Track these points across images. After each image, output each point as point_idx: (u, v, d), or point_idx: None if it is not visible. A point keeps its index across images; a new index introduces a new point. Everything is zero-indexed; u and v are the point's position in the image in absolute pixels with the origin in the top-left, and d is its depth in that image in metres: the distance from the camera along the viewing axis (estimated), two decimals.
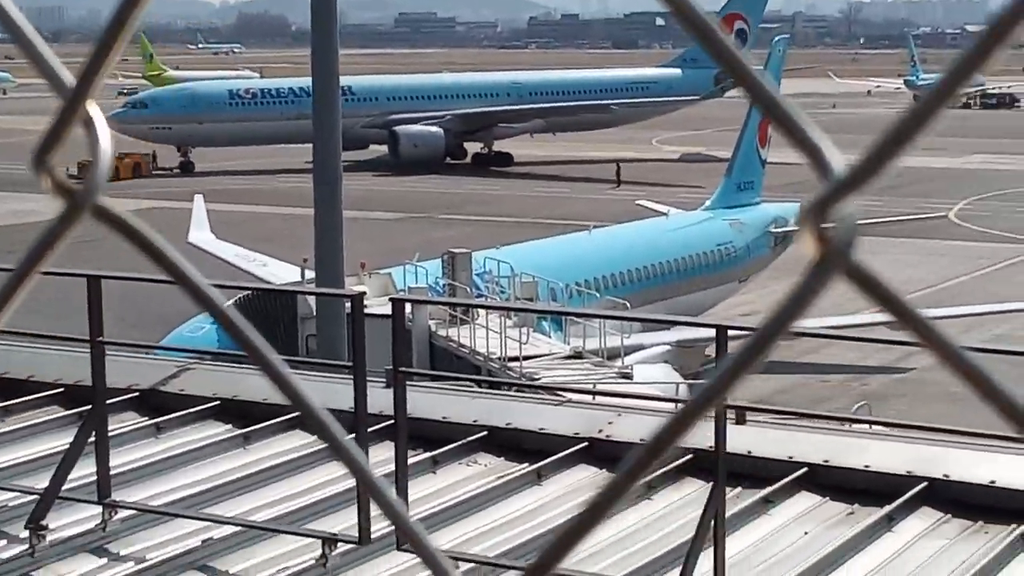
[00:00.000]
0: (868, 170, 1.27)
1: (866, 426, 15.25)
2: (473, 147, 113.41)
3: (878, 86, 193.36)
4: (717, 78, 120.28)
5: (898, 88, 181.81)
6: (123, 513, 11.94)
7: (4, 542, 11.74)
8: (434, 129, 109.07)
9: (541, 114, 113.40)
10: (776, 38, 77.35)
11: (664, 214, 60.22)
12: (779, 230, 59.86)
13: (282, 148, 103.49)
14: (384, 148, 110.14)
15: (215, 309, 1.51)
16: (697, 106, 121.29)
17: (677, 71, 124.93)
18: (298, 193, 71.65)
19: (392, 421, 11.65)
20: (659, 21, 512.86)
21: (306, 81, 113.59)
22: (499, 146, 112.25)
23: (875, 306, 1.36)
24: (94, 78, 1.46)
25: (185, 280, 1.49)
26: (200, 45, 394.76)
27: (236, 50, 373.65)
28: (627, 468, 1.37)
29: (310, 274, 35.39)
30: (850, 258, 1.27)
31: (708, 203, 61.21)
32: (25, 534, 11.52)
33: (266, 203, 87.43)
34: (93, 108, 1.47)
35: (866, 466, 12.36)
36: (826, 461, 12.42)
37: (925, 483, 12.06)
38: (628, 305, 41.05)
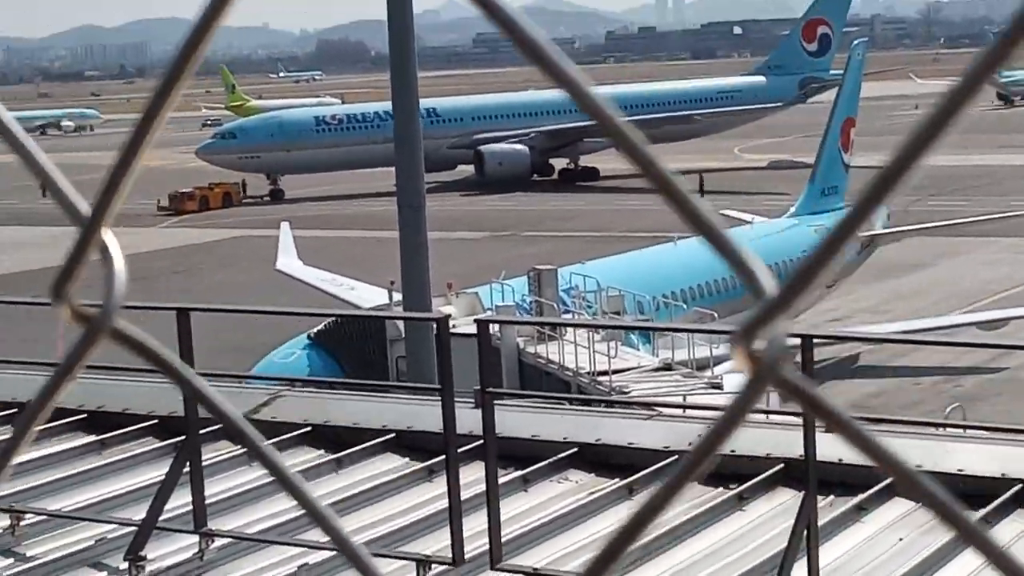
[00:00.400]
0: (795, 292, 1.33)
1: (959, 430, 15.14)
2: (560, 163, 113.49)
3: None
4: (801, 84, 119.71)
5: None
6: (220, 542, 12.06)
7: (104, 574, 11.89)
8: (519, 147, 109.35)
9: None
10: (855, 42, 76.86)
11: (748, 223, 59.95)
12: (865, 234, 59.44)
13: (371, 172, 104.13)
14: (471, 168, 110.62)
15: (237, 430, 1.59)
16: (779, 114, 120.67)
17: (761, 79, 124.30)
18: (387, 216, 72.10)
19: (481, 441, 11.69)
20: (736, 30, 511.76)
21: (390, 105, 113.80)
22: (586, 161, 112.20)
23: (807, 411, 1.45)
24: (109, 206, 1.52)
25: (204, 399, 1.57)
26: (281, 74, 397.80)
27: (317, 77, 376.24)
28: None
29: (398, 296, 35.57)
30: (780, 373, 1.36)
31: (792, 210, 60.90)
32: (124, 566, 11.67)
33: (355, 228, 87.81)
34: (108, 235, 1.54)
35: (959, 470, 12.26)
36: (919, 466, 12.31)
37: (1020, 485, 11.95)
38: (715, 316, 40.90)
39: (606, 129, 1.37)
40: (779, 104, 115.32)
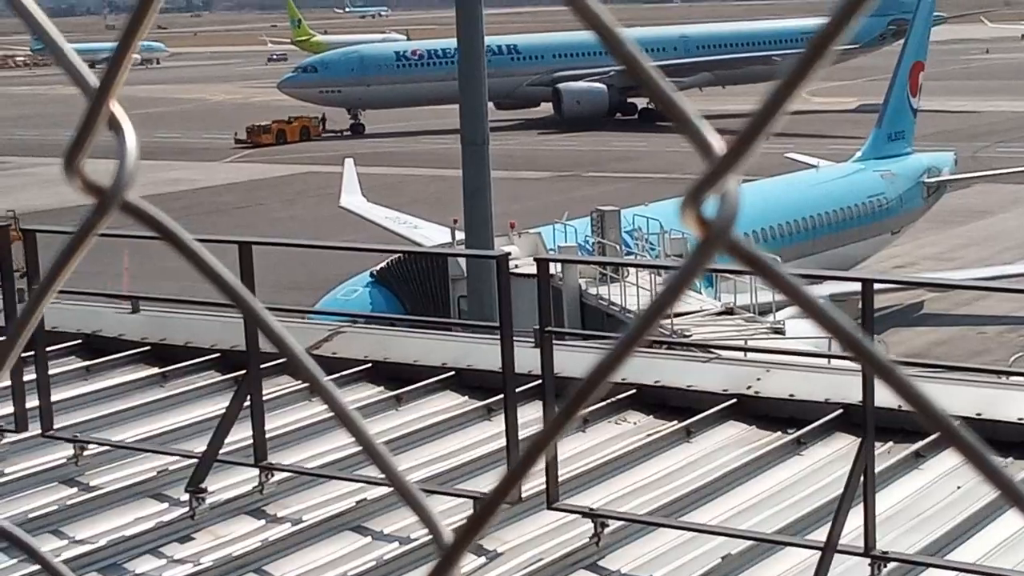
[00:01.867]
0: (742, 150, 1.33)
1: (1022, 378, 15.04)
2: (641, 102, 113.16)
3: None
4: (891, 24, 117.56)
5: None
6: (279, 476, 12.16)
7: (165, 505, 12.03)
8: (597, 85, 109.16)
9: (708, 67, 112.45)
10: None
11: (814, 167, 59.55)
12: (932, 180, 58.98)
13: (451, 108, 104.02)
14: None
15: (243, 303, 1.60)
16: (874, 55, 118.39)
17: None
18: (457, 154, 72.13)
19: (540, 380, 11.72)
20: None
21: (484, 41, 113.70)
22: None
23: (760, 281, 1.45)
24: (117, 78, 1.53)
25: (209, 271, 1.58)
26: (347, 9, 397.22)
27: (383, 13, 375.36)
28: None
29: (460, 235, 35.61)
30: (730, 236, 1.35)
31: (859, 155, 60.45)
32: (185, 497, 11.79)
33: (427, 165, 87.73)
34: (117, 107, 1.55)
35: (1020, 418, 12.20)
36: (979, 414, 12.25)
37: None
38: (780, 259, 40.69)
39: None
40: (855, 47, 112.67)
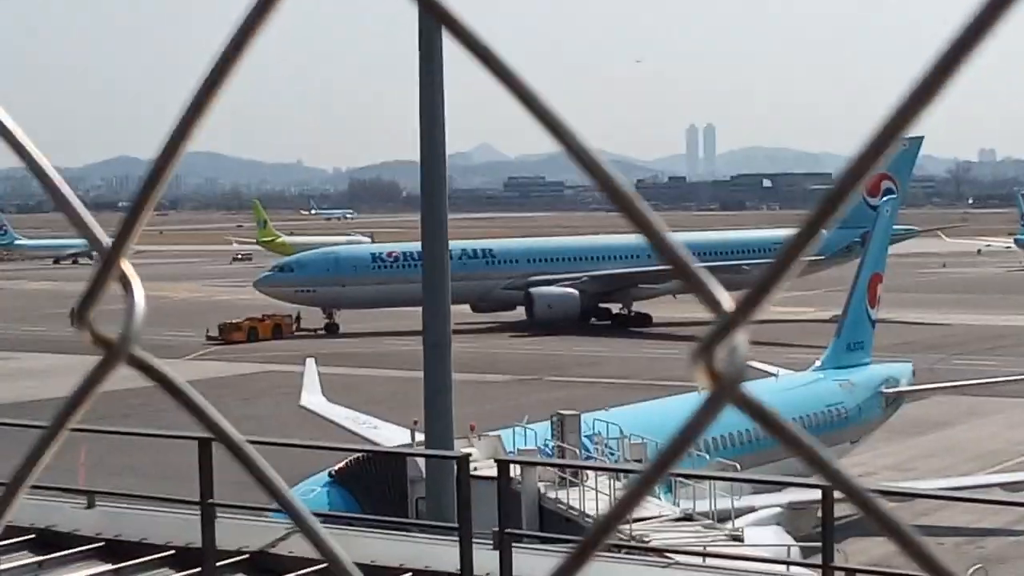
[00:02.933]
0: (752, 305, 1.38)
1: None
2: (614, 308, 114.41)
3: (988, 245, 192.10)
4: (863, 238, 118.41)
5: (1008, 247, 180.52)
6: None
7: None
8: (569, 290, 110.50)
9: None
10: (883, 199, 77.38)
11: (774, 375, 59.83)
12: (891, 391, 59.29)
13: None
14: None
15: (247, 460, 1.63)
16: (843, 267, 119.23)
17: (821, 231, 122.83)
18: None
19: None
20: (766, 183, 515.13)
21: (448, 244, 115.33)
22: (638, 307, 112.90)
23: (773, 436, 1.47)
24: (129, 238, 1.59)
25: (214, 427, 1.61)
26: (313, 211, 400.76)
27: (348, 216, 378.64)
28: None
29: (420, 436, 35.54)
30: (739, 390, 1.39)
31: (818, 363, 60.81)
32: None
33: (391, 367, 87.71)
34: (127, 266, 1.60)
35: None
36: None
37: None
38: (738, 467, 40.71)
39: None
40: (820, 258, 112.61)
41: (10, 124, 1.68)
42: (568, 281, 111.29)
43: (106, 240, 1.64)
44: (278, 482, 1.63)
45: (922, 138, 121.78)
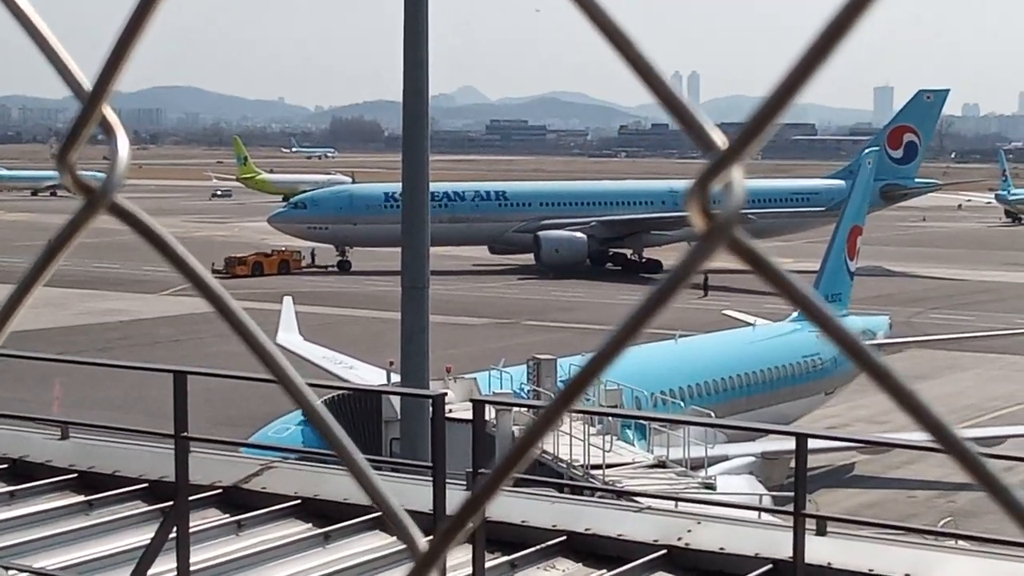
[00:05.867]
0: (745, 141, 1.35)
1: (952, 541, 15.08)
2: (626, 252, 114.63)
3: (969, 200, 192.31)
4: (883, 190, 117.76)
5: (988, 202, 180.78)
6: None
7: None
8: (577, 234, 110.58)
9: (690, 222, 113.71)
10: (866, 150, 77.36)
11: (751, 324, 59.94)
12: (867, 343, 59.47)
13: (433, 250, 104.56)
14: None
15: (246, 331, 1.60)
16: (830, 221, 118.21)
17: (841, 183, 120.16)
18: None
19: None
20: None
21: (460, 186, 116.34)
22: (649, 253, 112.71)
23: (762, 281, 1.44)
24: (109, 83, 1.55)
25: (195, 278, 1.58)
26: (294, 149, 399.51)
27: (329, 155, 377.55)
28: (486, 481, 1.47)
29: (396, 378, 35.58)
30: (732, 232, 1.36)
31: (795, 314, 60.90)
32: None
33: (366, 307, 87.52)
34: (110, 112, 1.57)
35: None
36: (907, 575, 12.25)
37: None
38: (713, 415, 40.85)
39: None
40: (819, 210, 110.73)
41: None
42: (578, 226, 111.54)
43: (86, 83, 1.60)
44: (256, 332, 1.60)
45: (947, 91, 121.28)
